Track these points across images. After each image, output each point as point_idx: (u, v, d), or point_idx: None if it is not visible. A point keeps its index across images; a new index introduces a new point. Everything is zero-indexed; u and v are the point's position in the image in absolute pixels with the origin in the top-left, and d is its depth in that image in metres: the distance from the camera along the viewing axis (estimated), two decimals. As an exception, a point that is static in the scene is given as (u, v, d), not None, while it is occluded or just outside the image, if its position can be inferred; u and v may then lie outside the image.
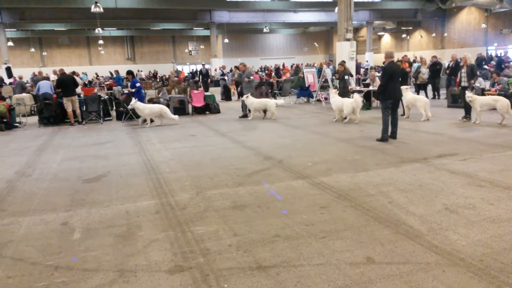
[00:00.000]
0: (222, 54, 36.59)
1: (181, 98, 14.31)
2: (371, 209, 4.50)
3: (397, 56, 21.29)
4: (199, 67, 35.14)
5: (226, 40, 37.89)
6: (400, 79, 8.75)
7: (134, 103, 11.18)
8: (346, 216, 4.36)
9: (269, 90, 15.84)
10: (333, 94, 11.08)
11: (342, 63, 13.55)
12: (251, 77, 13.06)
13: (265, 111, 12.26)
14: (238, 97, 14.00)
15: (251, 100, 11.98)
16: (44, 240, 4.03)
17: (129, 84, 13.81)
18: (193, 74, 29.86)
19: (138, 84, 12.07)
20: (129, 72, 12.98)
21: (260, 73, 24.72)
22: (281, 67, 28.84)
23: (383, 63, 13.66)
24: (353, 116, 10.70)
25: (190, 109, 14.09)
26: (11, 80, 23.26)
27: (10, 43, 29.69)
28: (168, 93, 14.81)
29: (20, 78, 19.72)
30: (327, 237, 3.83)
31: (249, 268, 3.33)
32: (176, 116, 11.74)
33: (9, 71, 25.87)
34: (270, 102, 12.33)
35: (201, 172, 6.38)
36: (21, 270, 3.43)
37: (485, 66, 22.56)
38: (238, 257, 3.53)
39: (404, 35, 40.20)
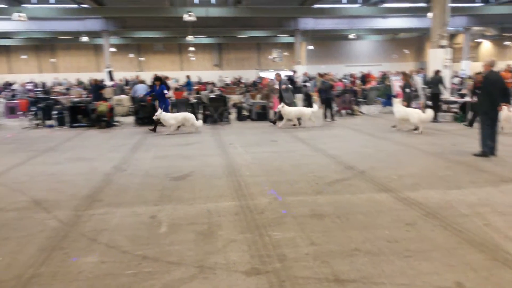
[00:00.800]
0: (305, 60, 36.56)
1: (263, 104, 14.54)
2: (463, 231, 4.13)
3: (500, 65, 19.40)
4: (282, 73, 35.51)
5: (310, 47, 37.74)
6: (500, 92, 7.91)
7: (159, 113, 11.05)
8: (435, 235, 4.05)
9: (353, 98, 15.41)
10: (397, 104, 11.05)
11: (405, 73, 12.87)
12: (289, 85, 13.11)
13: (299, 119, 12.38)
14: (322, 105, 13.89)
15: (288, 109, 12.04)
16: (134, 231, 4.34)
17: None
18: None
19: (165, 91, 12.01)
20: (157, 79, 12.36)
21: (344, 80, 24.19)
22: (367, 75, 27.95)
23: (477, 73, 12.50)
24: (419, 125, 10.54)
25: (272, 115, 14.26)
26: (112, 82, 25.62)
27: (113, 49, 32.79)
28: (252, 99, 15.14)
29: (120, 81, 21.66)
30: (412, 257, 3.59)
31: (326, 280, 3.25)
32: (200, 122, 11.82)
33: (110, 74, 28.59)
34: (305, 110, 12.37)
35: (281, 178, 6.41)
36: (113, 257, 3.73)
37: None
38: (315, 267, 3.46)
39: (507, 42, 36.48)
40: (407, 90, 11.84)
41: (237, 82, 29.16)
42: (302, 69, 29.55)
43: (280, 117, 12.34)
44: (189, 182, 6.31)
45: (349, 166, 7.06)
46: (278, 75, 13.25)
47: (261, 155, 8.26)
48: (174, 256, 3.71)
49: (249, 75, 36.67)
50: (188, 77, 23.47)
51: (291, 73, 23.28)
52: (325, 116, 13.59)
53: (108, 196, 5.62)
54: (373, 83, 19.43)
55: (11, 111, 16.68)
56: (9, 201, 5.44)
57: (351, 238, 4.03)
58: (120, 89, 19.47)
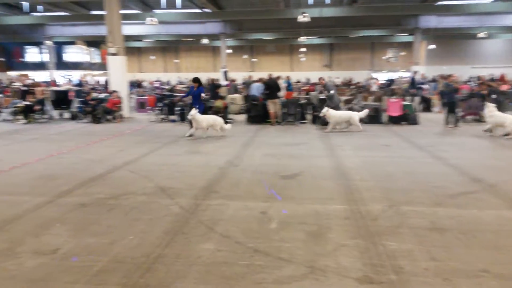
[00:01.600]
0: (425, 61, 34.07)
1: (376, 106, 13.94)
2: None
3: None
4: (396, 75, 33.70)
5: (432, 46, 35.01)
6: None
7: (195, 114, 10.64)
8: None
9: (481, 103, 13.85)
10: (492, 109, 10.85)
11: (486, 79, 11.18)
12: (332, 91, 12.83)
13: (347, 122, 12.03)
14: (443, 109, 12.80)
15: (332, 113, 11.82)
16: (246, 224, 4.52)
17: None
18: (390, 82, 28.78)
19: (203, 94, 11.72)
20: (196, 80, 11.85)
21: (470, 83, 21.92)
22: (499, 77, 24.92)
23: None
24: None
25: (385, 118, 13.60)
26: (227, 82, 27.10)
27: (229, 51, 34.68)
28: (364, 101, 14.63)
29: (233, 81, 22.79)
30: (556, 288, 3.09)
31: (448, 300, 2.98)
32: (229, 125, 11.47)
33: (225, 74, 30.30)
34: (353, 114, 12.09)
35: (393, 185, 6.06)
36: (228, 246, 3.93)
37: None
38: (436, 284, 3.20)
39: None
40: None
41: (347, 84, 28.47)
42: (421, 70, 27.60)
43: (325, 121, 12.30)
44: (298, 181, 6.35)
45: (475, 178, 6.36)
46: (321, 79, 13.54)
47: (371, 159, 7.93)
48: (284, 252, 3.76)
49: (360, 76, 35.53)
50: (287, 77, 23.63)
51: (409, 74, 21.85)
52: (447, 122, 12.48)
53: (222, 189, 5.95)
54: (506, 87, 17.21)
55: (141, 106, 18.73)
56: (139, 186, 6.10)
57: (477, 258, 3.63)
58: (234, 88, 20.48)
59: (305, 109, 14.38)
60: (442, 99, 13.05)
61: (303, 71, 41.63)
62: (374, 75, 35.09)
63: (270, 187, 5.98)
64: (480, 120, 13.47)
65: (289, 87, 21.20)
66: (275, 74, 19.12)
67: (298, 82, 27.70)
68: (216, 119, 11.21)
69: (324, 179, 6.48)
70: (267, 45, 43.33)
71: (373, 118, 13.41)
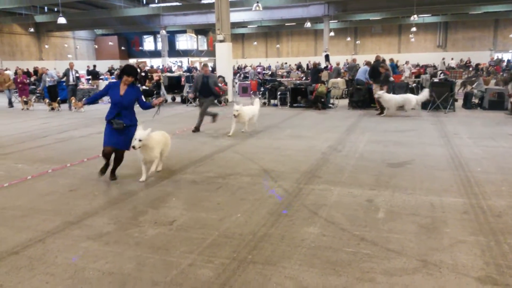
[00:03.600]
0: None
1: (500, 91, 12.38)
2: None
3: None
4: None
5: None
6: None
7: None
8: None
9: None
10: None
11: None
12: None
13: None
14: None
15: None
16: (351, 211, 4.40)
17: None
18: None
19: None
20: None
21: None
22: None
23: None
24: None
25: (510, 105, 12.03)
26: (329, 66, 26.52)
27: (332, 33, 33.77)
28: (485, 84, 13.10)
29: (337, 64, 22.20)
30: None
31: None
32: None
33: (327, 57, 29.65)
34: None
35: (523, 179, 5.34)
36: (332, 232, 3.87)
37: None
38: None
39: None
40: None
41: (465, 65, 25.83)
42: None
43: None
44: (408, 170, 5.97)
45: None
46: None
47: (494, 150, 7.09)
48: (393, 244, 3.57)
49: (480, 57, 31.96)
50: (391, 60, 22.07)
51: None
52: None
53: (325, 174, 5.87)
54: None
55: (244, 90, 19.36)
56: (244, 167, 6.34)
57: None
58: (336, 72, 19.98)
59: (416, 93, 13.40)
60: None
61: (413, 52, 38.84)
62: (497, 55, 31.24)
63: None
64: None
65: (395, 70, 19.94)
66: (384, 57, 18.09)
67: (407, 63, 25.80)
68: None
69: (439, 169, 5.99)
70: (373, 26, 41.24)
71: (496, 103, 11.96)
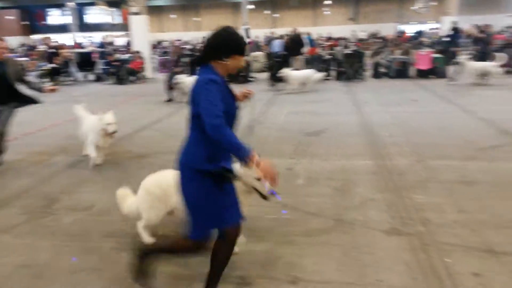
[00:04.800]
0: (457, 11, 32.21)
1: (404, 60, 13.44)
2: None
3: None
4: (428, 26, 32.20)
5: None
6: None
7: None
8: None
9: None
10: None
11: None
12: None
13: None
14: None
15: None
16: (273, 180, 4.56)
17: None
18: (418, 33, 27.52)
19: None
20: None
21: (506, 33, 20.61)
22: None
23: None
24: None
25: (412, 72, 13.14)
26: (249, 40, 26.53)
27: (250, 6, 33.67)
28: (392, 54, 14.09)
29: (256, 37, 22.33)
30: None
31: (477, 249, 2.98)
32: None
33: (247, 32, 29.62)
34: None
35: (423, 140, 5.94)
36: (255, 201, 3.99)
37: None
38: (464, 235, 3.19)
39: None
40: None
41: (374, 36, 27.43)
42: (450, 21, 26.17)
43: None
44: (324, 138, 6.31)
45: (505, 131, 6.16)
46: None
47: (400, 115, 7.75)
48: (311, 207, 3.80)
49: (387, 29, 34.09)
50: (308, 33, 22.85)
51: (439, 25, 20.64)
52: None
53: (252, 145, 5.97)
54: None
55: (164, 66, 18.72)
56: (166, 145, 6.21)
57: (508, 209, 3.58)
58: (256, 46, 20.10)
59: (329, 65, 14.02)
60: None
61: (327, 25, 40.25)
62: (402, 27, 33.62)
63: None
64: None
65: (312, 43, 20.55)
66: (300, 30, 18.52)
67: (322, 37, 26.75)
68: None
69: (351, 135, 6.41)
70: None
71: (401, 72, 12.99)
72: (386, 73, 13.64)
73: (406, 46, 15.79)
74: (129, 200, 3.27)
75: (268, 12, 42.46)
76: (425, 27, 32.12)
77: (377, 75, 13.61)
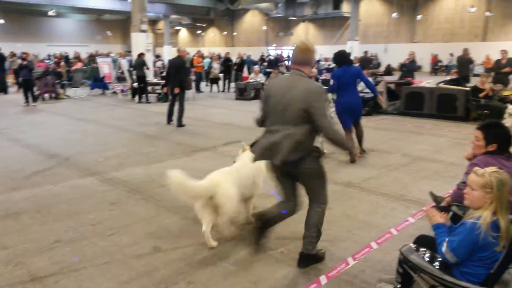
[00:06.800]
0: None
1: None
2: (162, 200, 4.57)
3: (193, 52, 22.24)
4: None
5: (1, 21, 32.11)
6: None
7: None
8: (137, 209, 4.32)
9: (57, 81, 14.23)
10: None
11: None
12: None
13: None
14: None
15: None
16: None
17: None
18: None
19: None
20: None
21: (47, 61, 21.78)
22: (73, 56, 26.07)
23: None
24: None
25: None
26: None
27: None
28: None
29: None
30: (114, 234, 3.71)
31: (21, 282, 2.94)
32: None
33: None
34: None
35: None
36: None
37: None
38: (7, 272, 3.07)
39: (199, 31, 42.28)
40: None
41: None
42: None
43: None
44: None
45: (52, 155, 6.54)
46: None
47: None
48: None
49: None
50: None
51: None
52: (26, 101, 12.04)
53: None
54: (79, 65, 18.37)
55: None
56: None
57: (51, 231, 3.77)
58: None
59: None
60: (17, 77, 12.41)
61: None
62: None
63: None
64: (57, 97, 13.93)
65: None
66: None
67: None
68: None
69: None
70: None
71: None
72: None
73: None
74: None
75: None
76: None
77: None
